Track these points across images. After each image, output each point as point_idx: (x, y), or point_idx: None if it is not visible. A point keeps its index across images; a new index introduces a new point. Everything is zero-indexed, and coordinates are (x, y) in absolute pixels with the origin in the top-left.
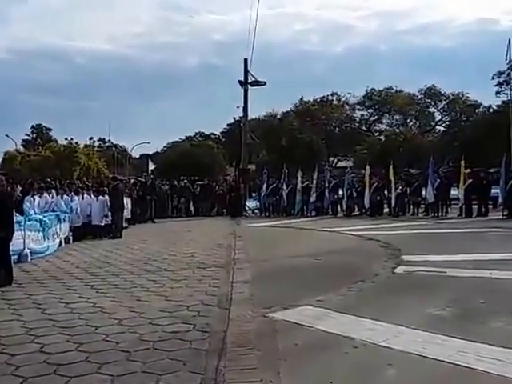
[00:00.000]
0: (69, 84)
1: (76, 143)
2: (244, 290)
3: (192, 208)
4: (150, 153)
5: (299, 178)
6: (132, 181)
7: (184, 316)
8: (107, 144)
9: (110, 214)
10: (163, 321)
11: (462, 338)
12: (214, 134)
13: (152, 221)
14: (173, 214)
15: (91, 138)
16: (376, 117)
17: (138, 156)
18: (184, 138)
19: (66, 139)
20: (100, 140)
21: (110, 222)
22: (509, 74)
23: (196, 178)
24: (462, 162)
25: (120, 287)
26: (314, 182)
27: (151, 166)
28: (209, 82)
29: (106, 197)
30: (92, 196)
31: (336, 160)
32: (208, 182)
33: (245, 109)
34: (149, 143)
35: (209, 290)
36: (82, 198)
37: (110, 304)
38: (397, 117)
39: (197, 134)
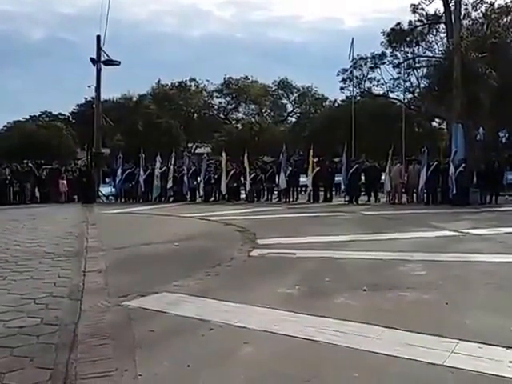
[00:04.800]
0: None
1: None
2: (98, 279)
3: (38, 194)
4: None
5: (158, 163)
6: None
7: (30, 310)
8: None
9: None
10: (6, 316)
11: (309, 313)
12: (63, 115)
13: None
14: (15, 201)
15: None
16: (233, 105)
17: None
18: (28, 117)
19: None
20: None
21: None
22: (351, 72)
23: (42, 161)
24: (311, 152)
25: None
26: (171, 167)
27: None
28: (57, 57)
29: None
30: None
31: (195, 146)
32: (57, 166)
33: (97, 89)
34: None
35: (58, 281)
36: None
37: None
38: (252, 106)
39: (43, 113)
